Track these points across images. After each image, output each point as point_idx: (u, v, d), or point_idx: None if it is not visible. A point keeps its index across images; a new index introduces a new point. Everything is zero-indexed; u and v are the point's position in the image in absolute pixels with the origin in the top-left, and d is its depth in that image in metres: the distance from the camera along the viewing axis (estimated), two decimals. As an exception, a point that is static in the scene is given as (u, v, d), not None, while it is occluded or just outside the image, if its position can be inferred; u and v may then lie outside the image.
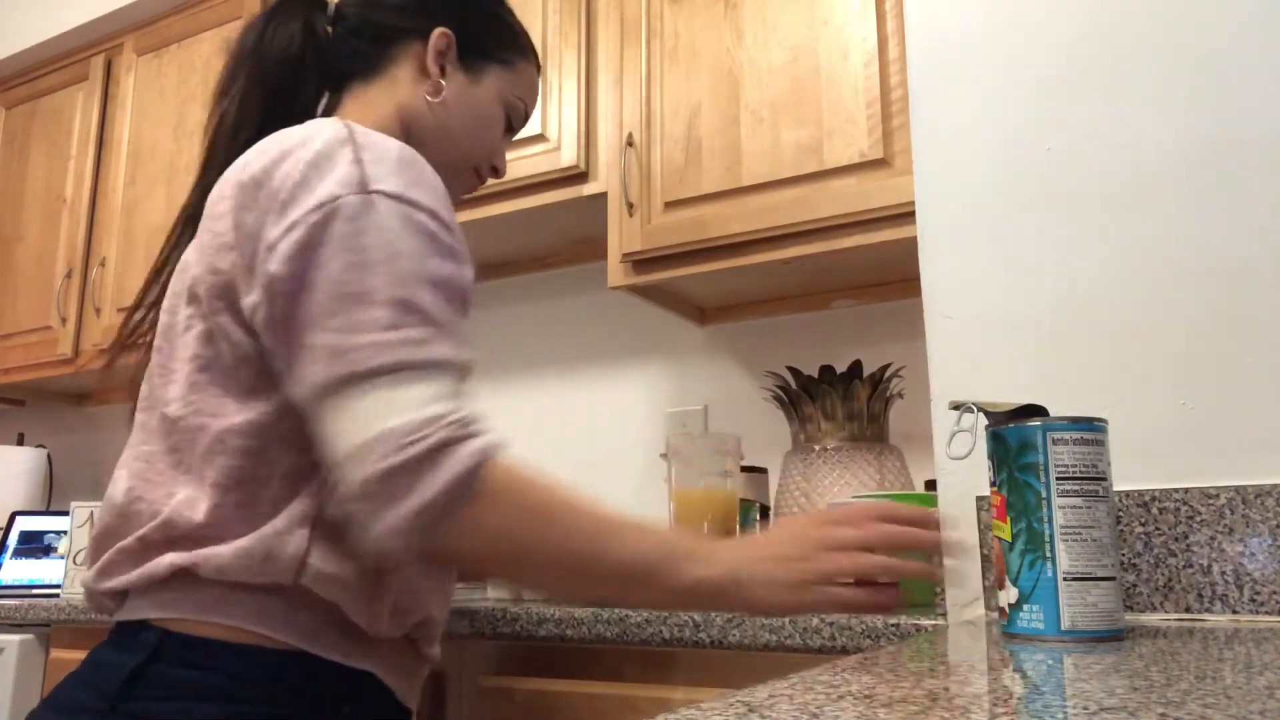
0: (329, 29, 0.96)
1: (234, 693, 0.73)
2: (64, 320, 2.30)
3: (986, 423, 0.79)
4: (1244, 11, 0.94)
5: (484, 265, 2.10)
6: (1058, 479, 0.72)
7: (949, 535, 0.76)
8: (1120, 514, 0.90)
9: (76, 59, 2.51)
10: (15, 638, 1.63)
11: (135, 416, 0.85)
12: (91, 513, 1.89)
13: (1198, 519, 0.87)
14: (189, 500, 0.76)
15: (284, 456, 0.76)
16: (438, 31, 0.95)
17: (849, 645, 0.96)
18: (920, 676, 0.52)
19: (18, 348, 2.38)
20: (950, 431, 0.81)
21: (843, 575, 0.73)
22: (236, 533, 0.74)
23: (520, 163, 1.69)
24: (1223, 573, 0.86)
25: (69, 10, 2.48)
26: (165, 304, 0.86)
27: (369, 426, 0.68)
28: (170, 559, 0.75)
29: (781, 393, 1.40)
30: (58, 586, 1.96)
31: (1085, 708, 0.41)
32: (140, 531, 0.77)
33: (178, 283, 0.85)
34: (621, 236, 1.59)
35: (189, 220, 0.90)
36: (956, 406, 0.81)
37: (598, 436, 1.95)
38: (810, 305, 1.76)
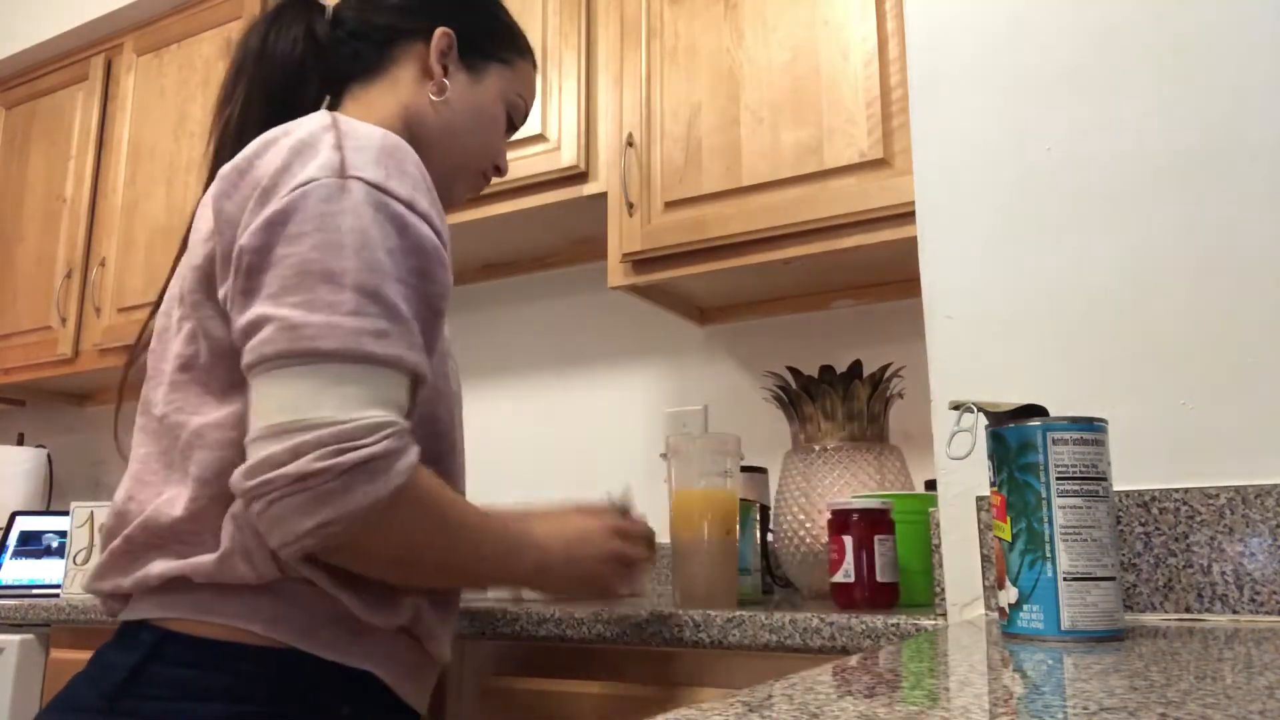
0: (329, 32, 0.96)
1: (232, 692, 0.73)
2: (64, 320, 2.30)
3: (986, 423, 0.79)
4: (1244, 12, 0.94)
5: (484, 265, 2.10)
6: (1058, 479, 0.72)
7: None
8: (1120, 514, 0.90)
9: (76, 59, 2.51)
10: (15, 638, 1.63)
11: (136, 420, 0.86)
12: (91, 512, 1.89)
13: (1198, 519, 0.87)
14: (170, 499, 0.76)
15: None
16: (440, 31, 0.95)
17: (849, 645, 0.96)
18: (920, 676, 0.52)
19: (18, 348, 2.38)
20: (950, 431, 0.81)
21: (615, 586, 0.93)
22: (215, 529, 0.74)
23: (520, 163, 1.69)
24: (1223, 573, 0.86)
25: (69, 10, 2.48)
26: (162, 308, 0.87)
27: (310, 407, 0.68)
28: (159, 569, 0.75)
29: (781, 393, 1.40)
30: (58, 586, 1.96)
31: (1085, 708, 0.41)
32: (126, 531, 0.77)
33: (174, 286, 0.86)
34: (621, 236, 1.59)
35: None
36: (956, 406, 0.81)
37: (598, 436, 1.95)
38: (810, 305, 1.76)
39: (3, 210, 2.54)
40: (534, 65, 1.05)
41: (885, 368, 1.37)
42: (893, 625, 0.95)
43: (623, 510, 0.97)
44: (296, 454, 0.67)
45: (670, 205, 1.56)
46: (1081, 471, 0.72)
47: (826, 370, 1.39)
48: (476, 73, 0.98)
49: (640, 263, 1.59)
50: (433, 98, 0.94)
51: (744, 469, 1.39)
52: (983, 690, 0.48)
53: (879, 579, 1.10)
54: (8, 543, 2.04)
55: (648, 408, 1.91)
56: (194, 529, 0.75)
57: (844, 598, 1.10)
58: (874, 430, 1.35)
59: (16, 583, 2.00)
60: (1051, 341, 0.97)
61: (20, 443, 2.58)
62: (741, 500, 1.23)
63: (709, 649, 1.04)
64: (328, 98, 0.97)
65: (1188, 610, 0.87)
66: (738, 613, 1.03)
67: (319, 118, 0.80)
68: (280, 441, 0.67)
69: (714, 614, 1.04)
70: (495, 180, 1.07)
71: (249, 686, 0.73)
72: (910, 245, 1.14)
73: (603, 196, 1.65)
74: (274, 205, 0.73)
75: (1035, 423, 0.74)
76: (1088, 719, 0.39)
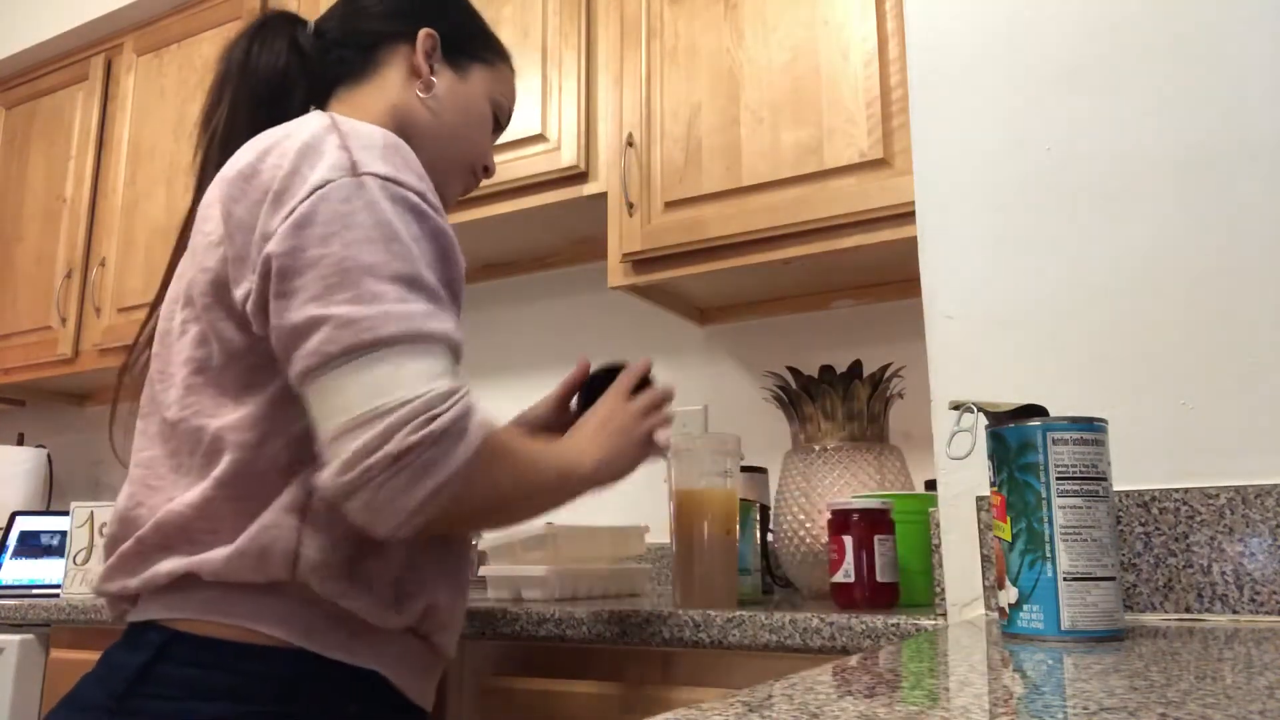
0: (312, 43, 0.98)
1: (238, 692, 0.73)
2: (64, 320, 2.30)
3: (986, 423, 0.79)
4: (1243, 12, 0.94)
5: (484, 265, 2.10)
6: (1058, 479, 0.72)
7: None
8: (1120, 514, 0.90)
9: (76, 59, 2.51)
10: (15, 638, 1.63)
11: (137, 424, 0.86)
12: (91, 512, 1.89)
13: (1198, 519, 0.87)
14: (183, 500, 0.76)
15: (280, 449, 0.76)
16: (424, 32, 0.97)
17: (849, 645, 0.96)
18: (920, 676, 0.52)
19: (18, 348, 2.38)
20: (950, 431, 0.81)
21: (656, 428, 0.98)
22: (228, 528, 0.75)
23: (520, 163, 1.69)
24: (1223, 573, 0.86)
25: (69, 10, 2.48)
26: (163, 310, 0.87)
27: (389, 390, 0.70)
28: (168, 566, 0.76)
29: (781, 393, 1.40)
30: (58, 586, 1.96)
31: (1085, 708, 0.41)
32: (139, 533, 0.77)
33: (174, 289, 0.86)
34: (621, 236, 1.59)
35: (185, 239, 0.91)
36: (956, 406, 0.81)
37: (598, 436, 1.95)
38: (810, 305, 1.76)
39: (3, 210, 2.54)
40: (512, 70, 1.08)
41: (885, 368, 1.37)
42: (893, 625, 0.95)
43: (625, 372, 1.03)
44: (388, 435, 0.68)
45: (670, 205, 1.56)
46: (1081, 471, 0.72)
47: (826, 370, 1.39)
48: (461, 71, 1.00)
49: (640, 263, 1.59)
50: (420, 95, 0.96)
51: (744, 469, 1.39)
52: (983, 690, 0.48)
53: (879, 579, 1.10)
54: (8, 543, 2.04)
55: (648, 408, 1.91)
56: (208, 527, 0.76)
57: (844, 598, 1.10)
58: (874, 430, 1.35)
59: (16, 583, 2.00)
60: (1051, 341, 0.97)
61: (20, 443, 2.58)
62: (741, 500, 1.23)
63: (709, 649, 1.04)
64: (313, 106, 0.98)
65: (1188, 610, 0.87)
66: (738, 613, 1.03)
67: (317, 118, 0.81)
68: (369, 429, 0.68)
69: (714, 614, 1.04)
70: (495, 181, 1.08)
71: (255, 686, 0.74)
72: (910, 245, 1.14)
73: (603, 196, 1.65)
74: (295, 210, 0.74)
75: (1035, 423, 0.74)
76: (1088, 719, 0.39)
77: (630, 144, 1.61)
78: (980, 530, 0.97)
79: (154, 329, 0.92)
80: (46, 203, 2.45)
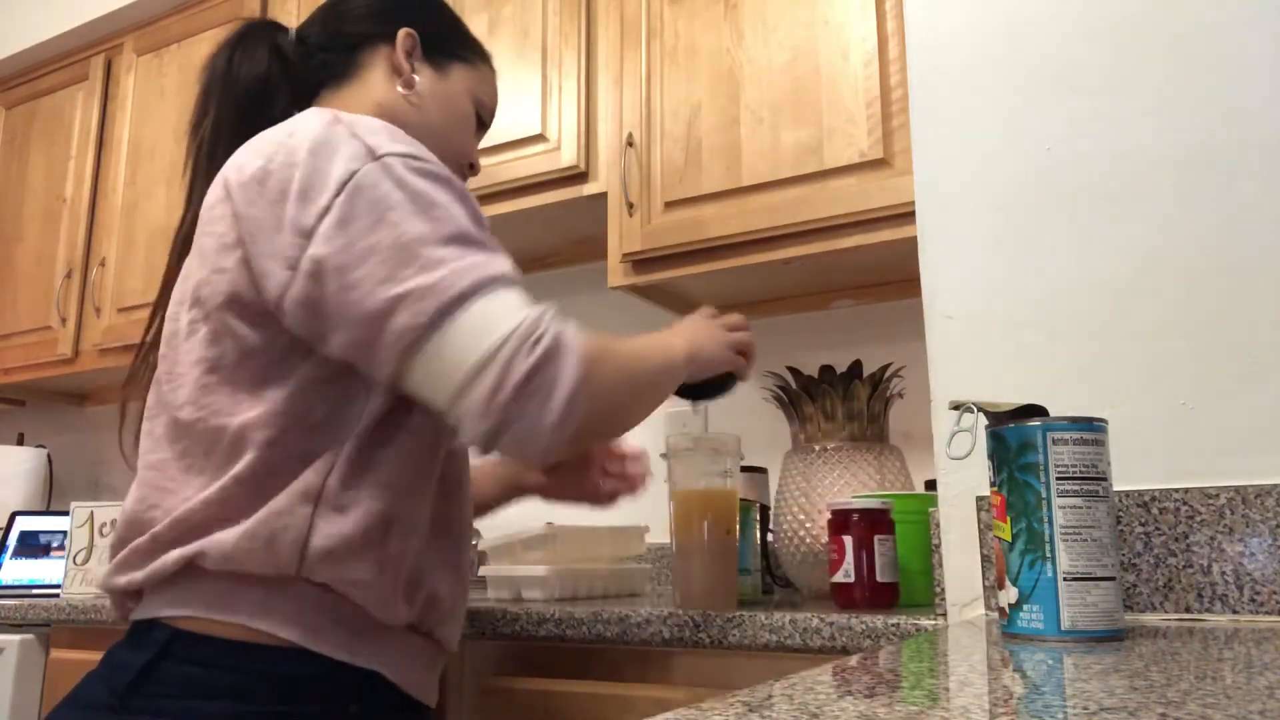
0: (294, 49, 0.99)
1: (240, 690, 0.74)
2: (64, 320, 2.30)
3: (986, 423, 0.79)
4: (1243, 12, 0.94)
5: (484, 265, 2.10)
6: (1058, 479, 0.72)
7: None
8: (1120, 514, 0.90)
9: (76, 59, 2.51)
10: (15, 638, 1.63)
11: (142, 426, 0.86)
12: (91, 512, 1.89)
13: (1198, 519, 0.87)
14: (201, 497, 0.77)
15: (298, 440, 0.77)
16: (404, 31, 0.99)
17: (849, 645, 0.96)
18: (920, 676, 0.52)
19: (18, 348, 2.38)
20: (950, 431, 0.81)
21: (741, 345, 1.02)
22: (242, 516, 0.75)
23: (520, 163, 1.69)
24: (1223, 573, 0.86)
25: (69, 10, 2.48)
26: (169, 312, 0.88)
27: (487, 335, 0.72)
28: (177, 554, 0.76)
29: (781, 393, 1.40)
30: (58, 586, 1.96)
31: (1085, 708, 0.41)
32: (154, 529, 0.78)
33: (179, 291, 0.87)
34: (621, 236, 1.59)
35: (186, 244, 0.92)
36: (956, 406, 0.81)
37: (598, 436, 1.95)
38: (810, 305, 1.76)
39: (3, 210, 2.54)
40: (493, 70, 1.09)
41: (885, 368, 1.37)
42: (893, 625, 0.95)
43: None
44: (507, 369, 0.71)
45: (670, 205, 1.56)
46: (1081, 471, 0.72)
47: (826, 370, 1.39)
48: (441, 69, 1.01)
49: (640, 263, 1.58)
50: (401, 91, 0.97)
51: (744, 469, 1.39)
52: (983, 690, 0.48)
53: (879, 579, 1.10)
54: (8, 543, 2.04)
55: (648, 408, 1.91)
56: (221, 515, 0.76)
57: (844, 598, 1.10)
58: (874, 430, 1.35)
59: (16, 583, 2.00)
60: (1051, 341, 0.97)
61: (20, 443, 2.58)
62: (741, 500, 1.23)
63: (709, 649, 1.04)
64: (295, 110, 0.99)
65: (1188, 610, 0.87)
66: (738, 613, 1.03)
67: (316, 114, 0.82)
68: (487, 371, 0.71)
69: (714, 614, 1.04)
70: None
71: (257, 686, 0.74)
72: (910, 245, 1.14)
73: (603, 196, 1.65)
74: (330, 206, 0.75)
75: (1035, 423, 0.74)
76: (1088, 719, 0.39)
77: (630, 144, 1.60)
78: (980, 530, 0.97)
79: (158, 332, 0.92)
80: (46, 203, 2.45)
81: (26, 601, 1.67)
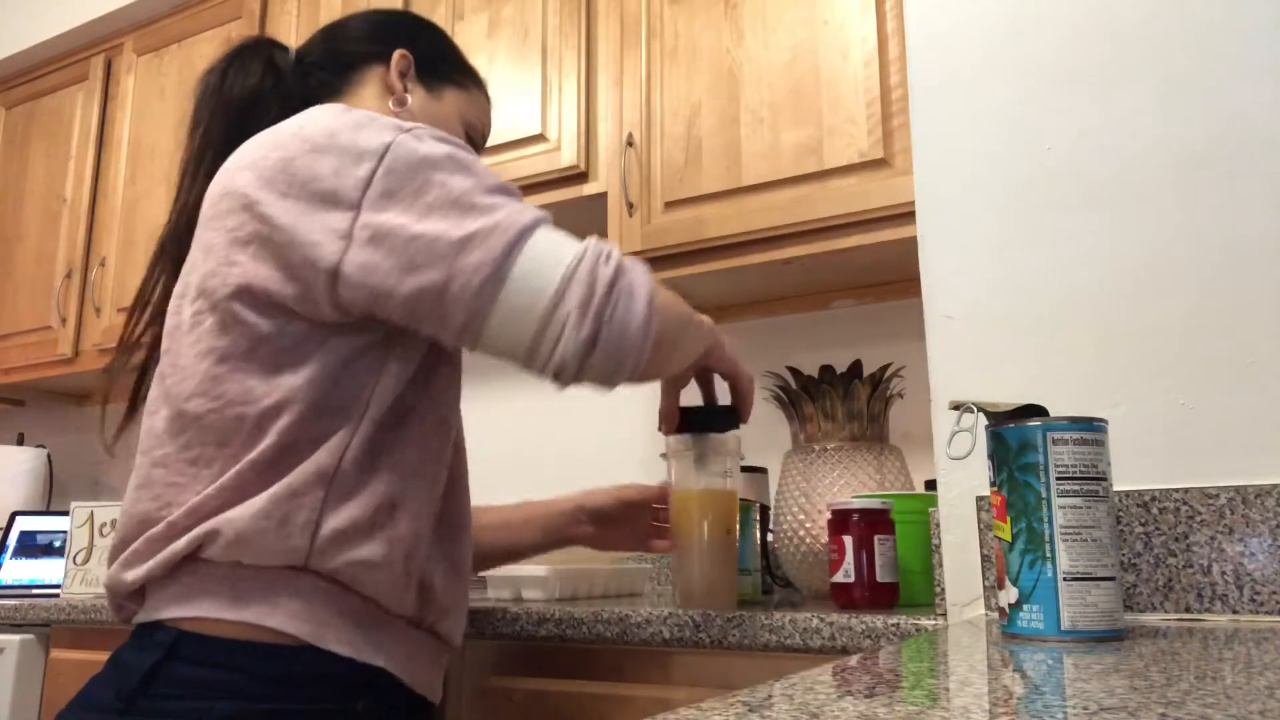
0: (291, 66, 1.02)
1: (247, 690, 0.74)
2: (64, 320, 2.30)
3: (986, 423, 0.79)
4: (1242, 11, 0.94)
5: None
6: (1058, 479, 0.72)
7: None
8: (1120, 514, 0.90)
9: (76, 59, 2.51)
10: (15, 638, 1.63)
11: (143, 421, 0.86)
12: (91, 512, 1.89)
13: (1198, 519, 0.87)
14: (219, 484, 0.77)
15: (312, 423, 0.78)
16: (399, 52, 1.02)
17: (849, 645, 0.96)
18: (920, 676, 0.52)
19: (18, 348, 2.38)
20: (950, 431, 0.81)
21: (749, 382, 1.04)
22: (255, 495, 0.76)
23: (520, 163, 1.69)
24: (1223, 573, 0.86)
25: (69, 10, 2.48)
26: (170, 306, 0.88)
27: (562, 256, 0.77)
28: (191, 534, 0.76)
29: (781, 393, 1.40)
30: (58, 586, 1.96)
31: (1085, 708, 0.41)
32: (171, 517, 0.78)
33: (179, 285, 0.87)
34: (621, 236, 1.59)
35: (171, 242, 0.95)
36: (956, 406, 0.81)
37: (598, 437, 1.95)
38: (810, 305, 1.76)
39: (3, 210, 2.54)
40: (487, 98, 1.11)
41: (885, 368, 1.37)
42: (893, 625, 0.95)
43: None
44: (595, 275, 0.76)
45: (670, 205, 1.56)
46: (1081, 471, 0.72)
47: (826, 370, 1.39)
48: (434, 91, 1.04)
49: (640, 263, 1.58)
50: (393, 108, 0.99)
51: (744, 469, 1.39)
52: (983, 690, 0.48)
53: (879, 579, 1.10)
54: (8, 543, 2.04)
55: (647, 408, 1.91)
56: (235, 498, 0.77)
57: (844, 598, 1.10)
58: (874, 430, 1.35)
59: (16, 583, 2.00)
60: (1051, 341, 0.97)
61: (20, 443, 2.58)
62: (741, 500, 1.23)
63: (709, 649, 1.04)
64: None
65: (1188, 610, 0.87)
66: (738, 613, 1.03)
67: (325, 108, 0.84)
68: (575, 282, 0.75)
69: (714, 614, 1.04)
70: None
71: (263, 685, 0.74)
72: (910, 245, 1.14)
73: (603, 196, 1.65)
74: (374, 176, 0.77)
75: (1035, 423, 0.74)
76: (1088, 719, 0.39)
77: (630, 144, 1.61)
78: (980, 530, 0.97)
79: (139, 334, 0.94)
80: (46, 202, 2.45)
81: (26, 601, 1.67)
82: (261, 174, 0.80)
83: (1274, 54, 0.92)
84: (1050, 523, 0.72)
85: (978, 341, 1.01)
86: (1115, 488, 0.89)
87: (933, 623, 0.94)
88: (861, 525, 1.11)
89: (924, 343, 1.04)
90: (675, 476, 1.15)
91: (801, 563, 1.32)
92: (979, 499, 0.97)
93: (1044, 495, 0.72)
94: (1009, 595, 0.74)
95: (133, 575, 0.79)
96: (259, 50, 1.01)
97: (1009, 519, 0.74)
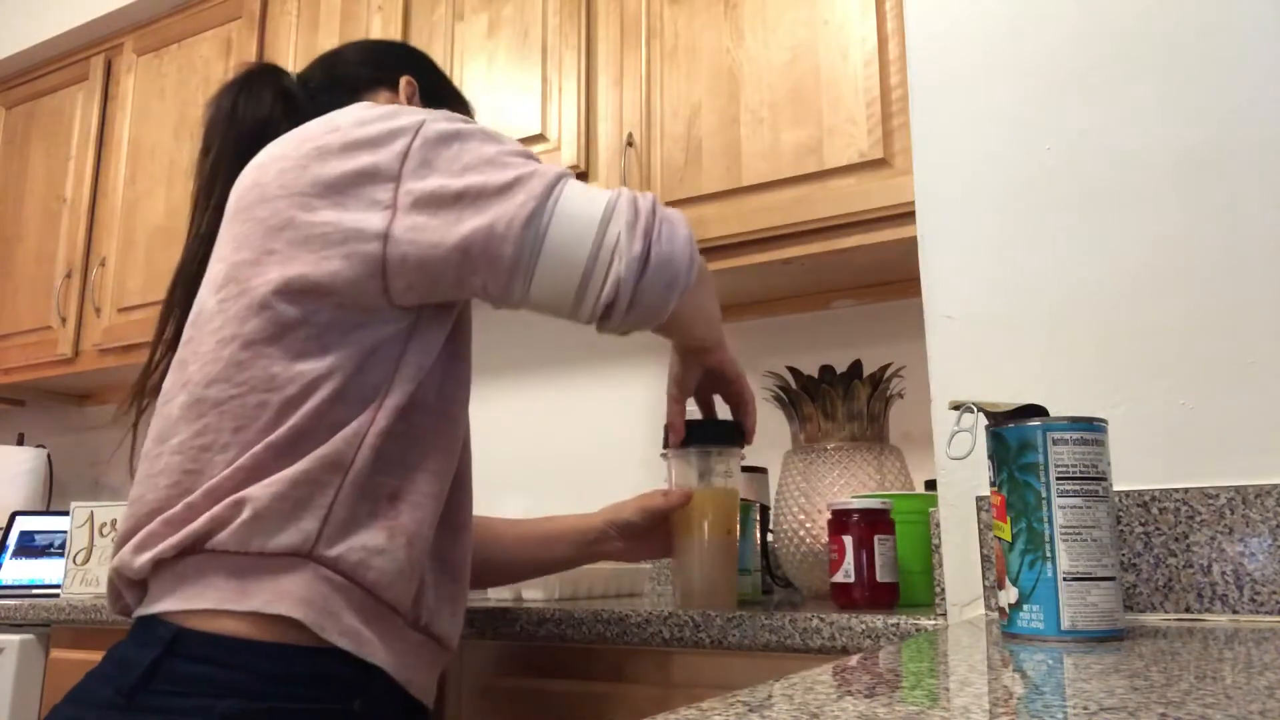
0: (298, 90, 1.05)
1: (247, 687, 0.74)
2: (64, 320, 2.30)
3: (986, 423, 0.79)
4: (1242, 11, 0.94)
5: (484, 265, 2.10)
6: (1058, 479, 0.72)
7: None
8: (1120, 514, 0.90)
9: (76, 59, 2.51)
10: (15, 638, 1.63)
11: (157, 409, 0.86)
12: (91, 512, 1.89)
13: (1198, 519, 0.87)
14: (238, 465, 0.78)
15: (332, 410, 0.79)
16: (406, 78, 1.07)
17: (849, 645, 0.96)
18: (920, 676, 0.53)
19: (18, 348, 2.38)
20: (950, 431, 0.81)
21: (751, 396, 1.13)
22: (271, 475, 0.77)
23: (520, 163, 1.69)
24: (1223, 573, 0.86)
25: (69, 10, 2.48)
26: (199, 295, 0.88)
27: (600, 194, 0.83)
28: (211, 512, 0.77)
29: (781, 393, 1.40)
30: (58, 586, 1.96)
31: (1085, 708, 0.41)
32: (189, 499, 0.78)
33: (210, 274, 0.88)
34: (621, 236, 1.59)
35: (186, 278, 0.96)
36: (956, 406, 0.81)
37: (598, 436, 1.95)
38: (810, 305, 1.76)
39: (3, 210, 2.54)
40: None
41: (885, 368, 1.37)
42: (893, 625, 0.95)
43: None
44: (636, 204, 0.83)
45: (670, 205, 1.56)
46: (1081, 471, 0.72)
47: (826, 370, 1.39)
48: None
49: (640, 263, 1.58)
50: None
51: (744, 469, 1.39)
52: (983, 690, 0.48)
53: (879, 579, 1.10)
54: (8, 543, 2.04)
55: (648, 408, 1.91)
56: (252, 478, 0.77)
57: (844, 598, 1.10)
58: (874, 430, 1.35)
59: (16, 583, 2.00)
60: (1051, 341, 0.97)
61: (20, 443, 2.58)
62: (741, 500, 1.23)
63: (709, 649, 1.04)
64: None
65: (1188, 610, 0.87)
66: (738, 613, 1.03)
67: (352, 105, 0.88)
68: (618, 210, 0.82)
69: (714, 614, 1.04)
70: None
71: (263, 683, 0.74)
72: (910, 245, 1.14)
73: (603, 196, 1.65)
74: (410, 150, 0.82)
75: (1035, 423, 0.74)
76: (1088, 719, 0.39)
77: (630, 144, 1.61)
78: (980, 530, 0.97)
79: (170, 334, 0.96)
80: (46, 203, 2.45)
81: (26, 601, 1.67)
82: (297, 162, 0.83)
83: (1274, 54, 0.92)
84: (1050, 523, 0.72)
85: (978, 341, 1.01)
86: (1115, 488, 0.88)
87: (933, 623, 0.94)
88: (861, 525, 1.11)
89: (924, 343, 1.04)
90: (675, 477, 1.15)
91: (801, 563, 1.32)
92: (979, 499, 0.97)
93: (1044, 495, 0.72)
94: (1009, 595, 0.74)
95: (144, 559, 0.78)
96: (267, 77, 1.04)
97: (1009, 519, 0.74)
